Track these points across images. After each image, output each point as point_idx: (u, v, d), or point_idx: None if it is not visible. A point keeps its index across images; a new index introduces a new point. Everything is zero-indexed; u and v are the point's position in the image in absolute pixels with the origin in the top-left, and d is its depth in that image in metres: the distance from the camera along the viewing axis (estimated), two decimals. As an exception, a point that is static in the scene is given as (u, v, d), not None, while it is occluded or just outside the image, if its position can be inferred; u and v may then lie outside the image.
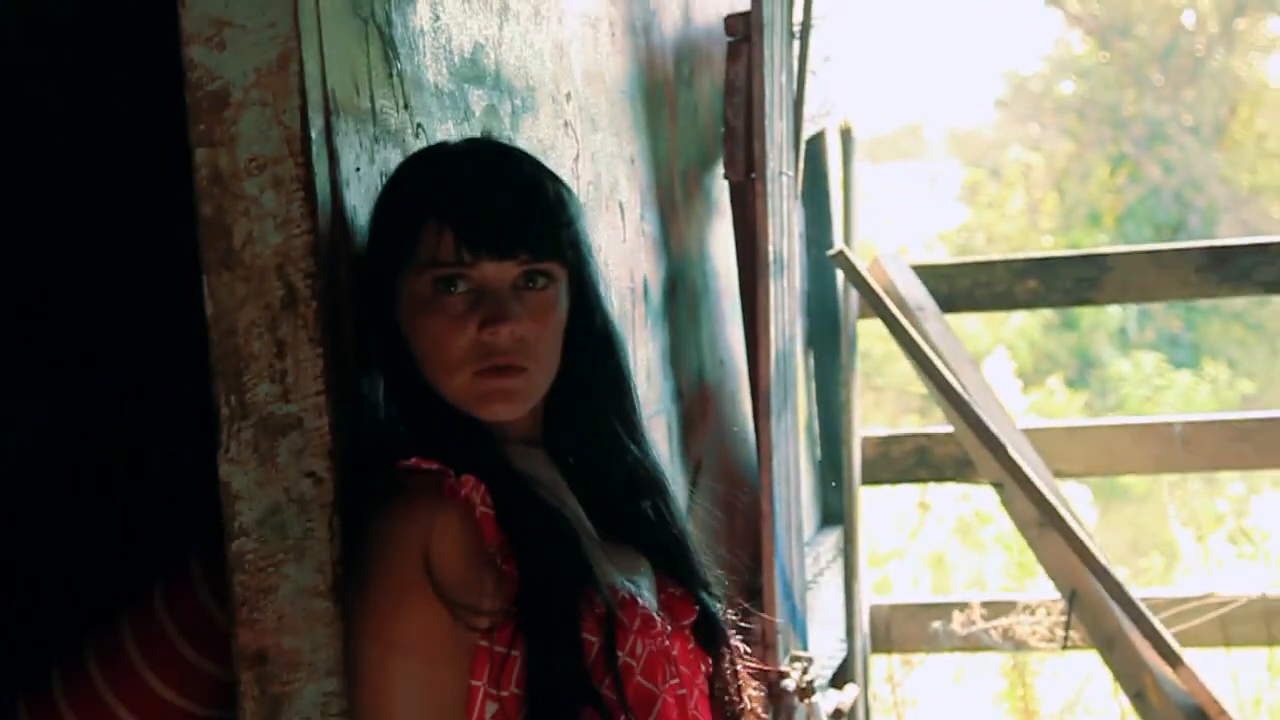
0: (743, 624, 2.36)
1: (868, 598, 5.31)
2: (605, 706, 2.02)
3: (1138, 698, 4.65)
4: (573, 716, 2.00)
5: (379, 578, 1.98)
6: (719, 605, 2.24)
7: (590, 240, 2.18)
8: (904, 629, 5.38)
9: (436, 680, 1.98)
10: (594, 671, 2.03)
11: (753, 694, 2.27)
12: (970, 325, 12.56)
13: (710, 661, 2.22)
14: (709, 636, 2.22)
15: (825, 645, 4.60)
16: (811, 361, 5.00)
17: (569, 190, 2.16)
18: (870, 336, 9.69)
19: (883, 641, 5.37)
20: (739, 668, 2.26)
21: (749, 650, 2.32)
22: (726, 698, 2.23)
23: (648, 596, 2.16)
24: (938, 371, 4.48)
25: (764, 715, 2.30)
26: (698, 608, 2.21)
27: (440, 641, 1.98)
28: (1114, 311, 14.43)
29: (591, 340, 2.17)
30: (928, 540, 8.75)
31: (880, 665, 5.76)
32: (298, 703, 2.05)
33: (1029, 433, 4.99)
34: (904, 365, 7.88)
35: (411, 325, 2.07)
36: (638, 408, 2.23)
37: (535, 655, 2.01)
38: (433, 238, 2.05)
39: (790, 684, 3.78)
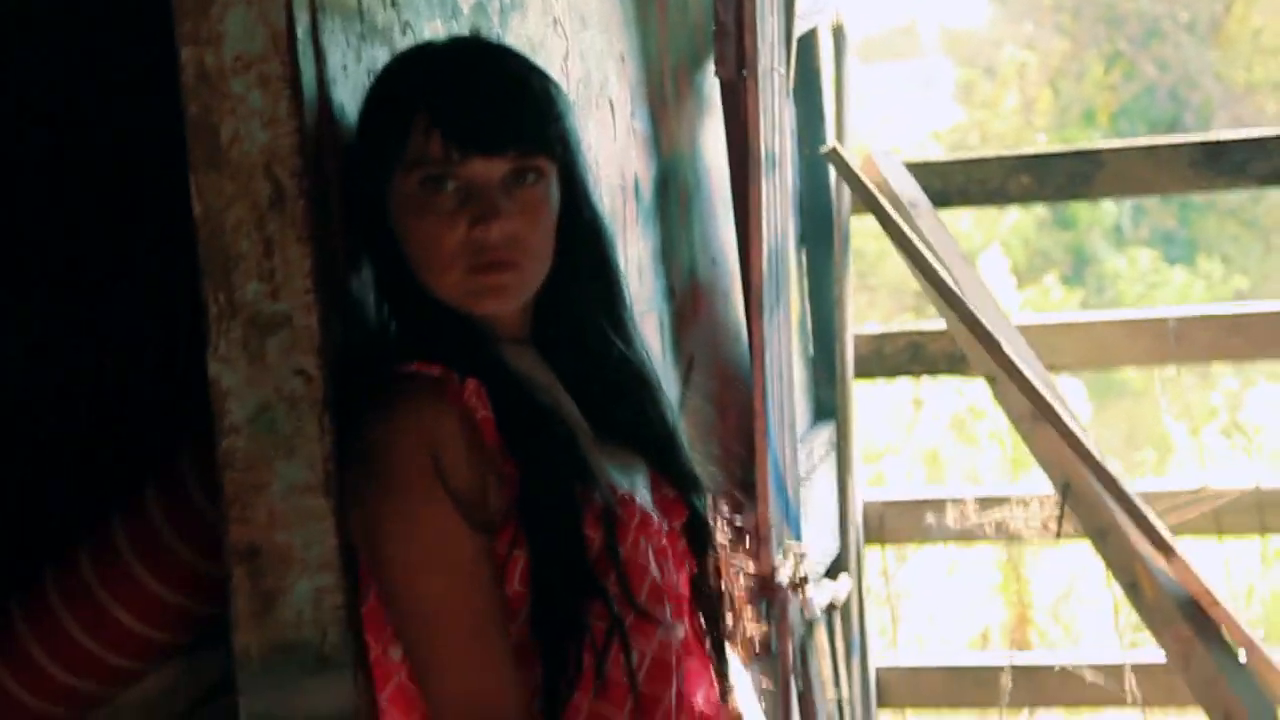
0: (736, 522, 2.38)
1: (861, 492, 5.33)
2: (611, 600, 2.04)
3: (1131, 588, 4.68)
4: (578, 611, 2.02)
5: (394, 497, 1.99)
6: (707, 508, 2.25)
7: (579, 136, 2.18)
8: (897, 523, 5.40)
9: (475, 589, 1.99)
10: (597, 567, 2.05)
11: (739, 597, 2.29)
12: (965, 224, 12.55)
13: (695, 564, 2.23)
14: (695, 539, 2.23)
15: (819, 539, 4.63)
16: (804, 258, 5.00)
17: (557, 86, 2.15)
18: (864, 235, 9.69)
19: (876, 535, 5.39)
20: (725, 571, 2.27)
21: (739, 549, 2.34)
22: (710, 601, 2.25)
23: (644, 494, 2.18)
24: (930, 267, 4.48)
25: (749, 618, 2.31)
26: (688, 510, 2.22)
27: (467, 550, 1.99)
28: (1109, 208, 14.41)
29: (580, 235, 2.17)
30: (922, 437, 8.78)
31: (874, 559, 5.79)
32: (290, 598, 2.06)
33: (1022, 328, 4.99)
34: (898, 264, 7.88)
35: (402, 225, 2.07)
36: (628, 304, 2.24)
37: (538, 554, 2.02)
38: (420, 137, 2.04)
39: (784, 577, 3.81)
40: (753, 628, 2.31)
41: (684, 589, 2.19)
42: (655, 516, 2.14)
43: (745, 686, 2.28)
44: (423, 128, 2.04)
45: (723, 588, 2.25)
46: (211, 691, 2.80)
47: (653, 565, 2.11)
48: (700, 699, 2.15)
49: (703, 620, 2.23)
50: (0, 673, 2.63)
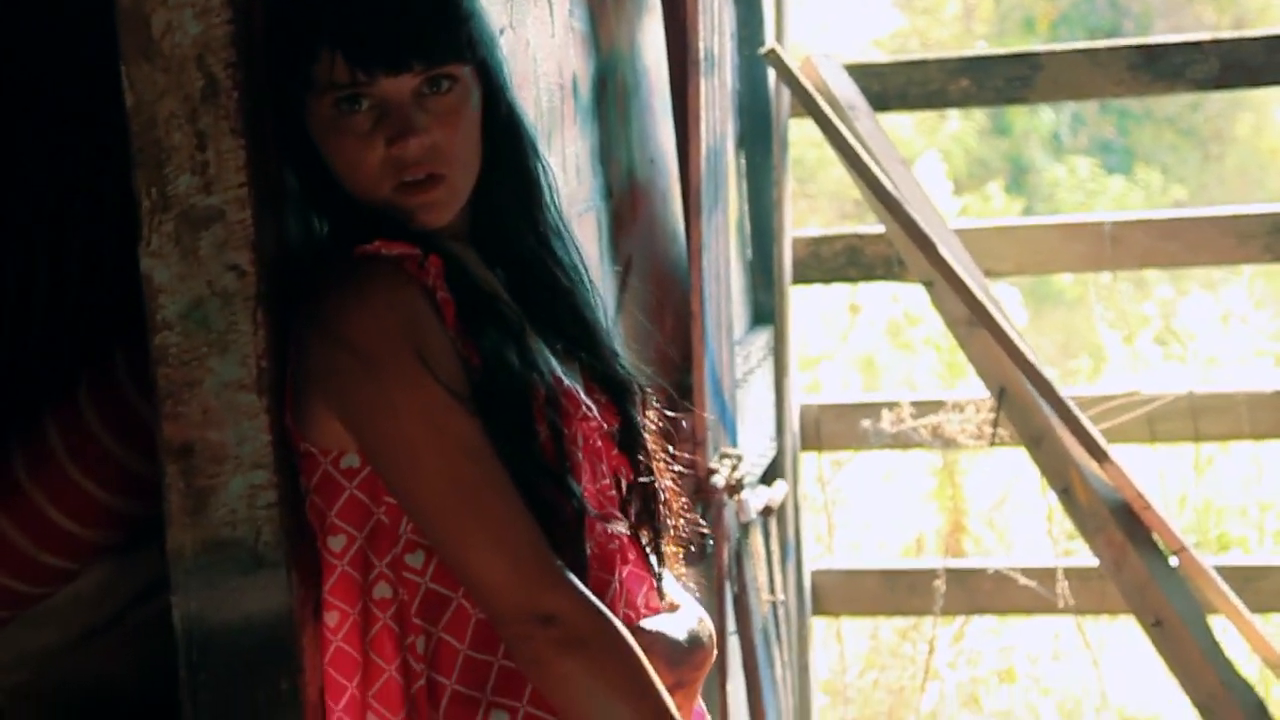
0: (669, 423, 2.37)
1: (798, 397, 5.34)
2: (571, 488, 2.04)
3: (1064, 493, 4.71)
4: (537, 498, 2.01)
5: (387, 383, 1.98)
6: (638, 410, 2.25)
7: (492, 33, 2.14)
8: (833, 428, 5.42)
9: (484, 452, 2.00)
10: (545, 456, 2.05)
11: (674, 499, 2.29)
12: (905, 132, 12.53)
13: (628, 468, 2.23)
14: (627, 442, 2.22)
15: (755, 443, 4.63)
16: (743, 161, 4.98)
17: None
18: (804, 143, 9.67)
19: (812, 440, 5.41)
20: (660, 474, 2.26)
21: (673, 452, 2.33)
22: (646, 503, 2.24)
23: (580, 392, 2.17)
24: (868, 170, 4.47)
25: (684, 520, 2.31)
26: (619, 412, 2.21)
27: (465, 419, 1.99)
28: (1047, 116, 14.42)
29: (499, 133, 2.15)
30: (858, 343, 8.80)
31: (810, 464, 5.81)
32: (224, 495, 2.05)
33: (960, 232, 4.99)
34: (838, 171, 7.87)
35: (324, 145, 2.06)
36: (552, 201, 2.22)
37: (495, 440, 2.01)
38: (326, 60, 2.03)
39: (719, 480, 3.81)
40: (689, 530, 2.31)
41: (612, 490, 2.19)
42: (592, 412, 2.14)
43: (680, 590, 2.28)
44: (327, 52, 2.02)
45: (658, 490, 2.24)
46: (145, 592, 2.78)
47: (588, 462, 2.10)
48: (640, 598, 2.15)
49: (638, 522, 2.22)
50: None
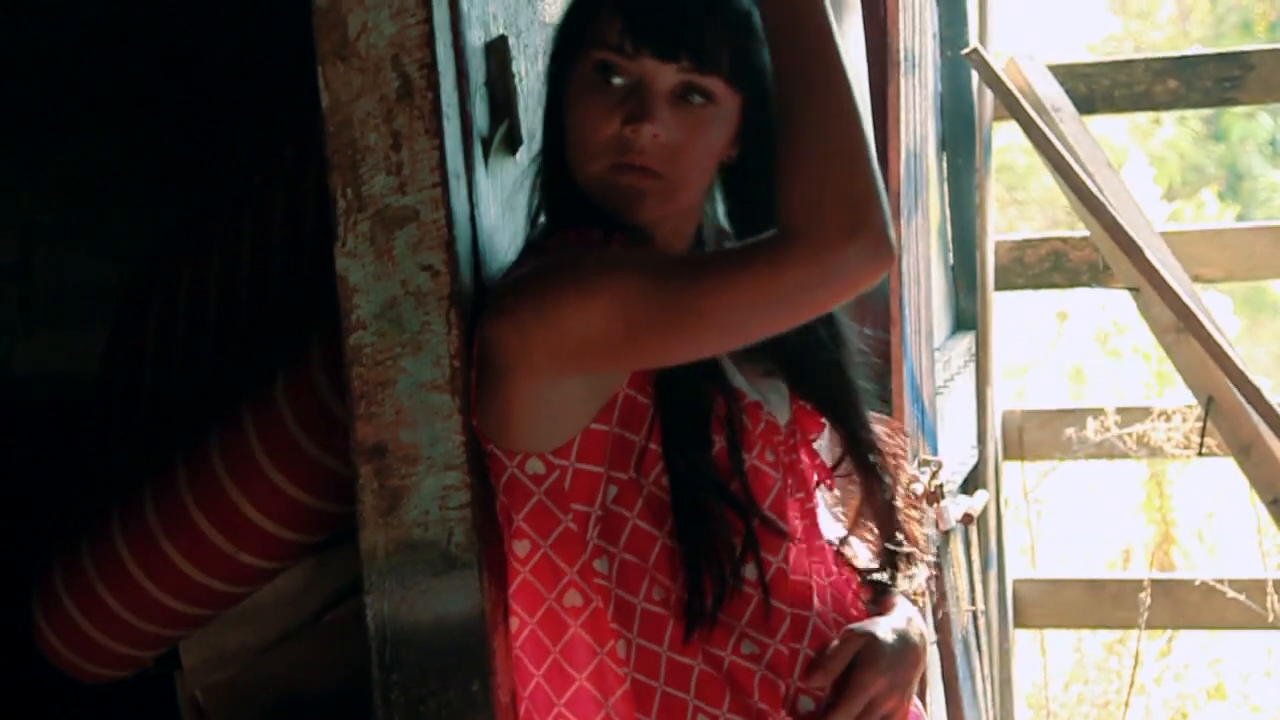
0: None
1: (1000, 403, 5.27)
2: (739, 502, 2.02)
3: (1275, 504, 4.60)
4: (705, 511, 2.00)
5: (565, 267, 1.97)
6: (857, 422, 2.21)
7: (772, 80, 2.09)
8: (1037, 435, 5.34)
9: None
10: (721, 471, 2.03)
11: (915, 525, 2.25)
12: (1118, 138, 12.34)
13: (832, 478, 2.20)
14: (852, 454, 2.19)
15: (955, 451, 4.58)
16: (945, 164, 4.92)
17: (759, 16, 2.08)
18: (1013, 149, 9.56)
19: (1015, 448, 5.33)
20: (899, 487, 2.23)
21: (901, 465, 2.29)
22: (884, 518, 2.21)
23: (775, 403, 2.14)
24: (1073, 172, 4.40)
25: (920, 535, 2.27)
26: (844, 432, 2.18)
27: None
28: (1264, 122, 14.14)
29: (754, 162, 2.10)
30: (1065, 350, 8.67)
31: (1013, 473, 5.73)
32: (416, 496, 2.05)
33: (1167, 236, 4.89)
34: (1048, 178, 7.76)
35: (569, 108, 2.06)
36: None
37: (672, 447, 2.00)
38: (605, 19, 2.02)
39: (918, 488, 3.77)
40: (922, 543, 2.27)
41: (814, 503, 2.16)
42: (782, 424, 2.11)
43: (907, 609, 2.23)
44: (609, 12, 2.02)
45: (897, 504, 2.21)
46: (342, 592, 2.80)
47: (778, 476, 2.08)
48: (847, 603, 2.12)
49: (871, 536, 2.20)
50: (133, 568, 2.65)
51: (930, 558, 2.28)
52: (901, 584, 2.21)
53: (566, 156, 2.07)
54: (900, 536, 2.20)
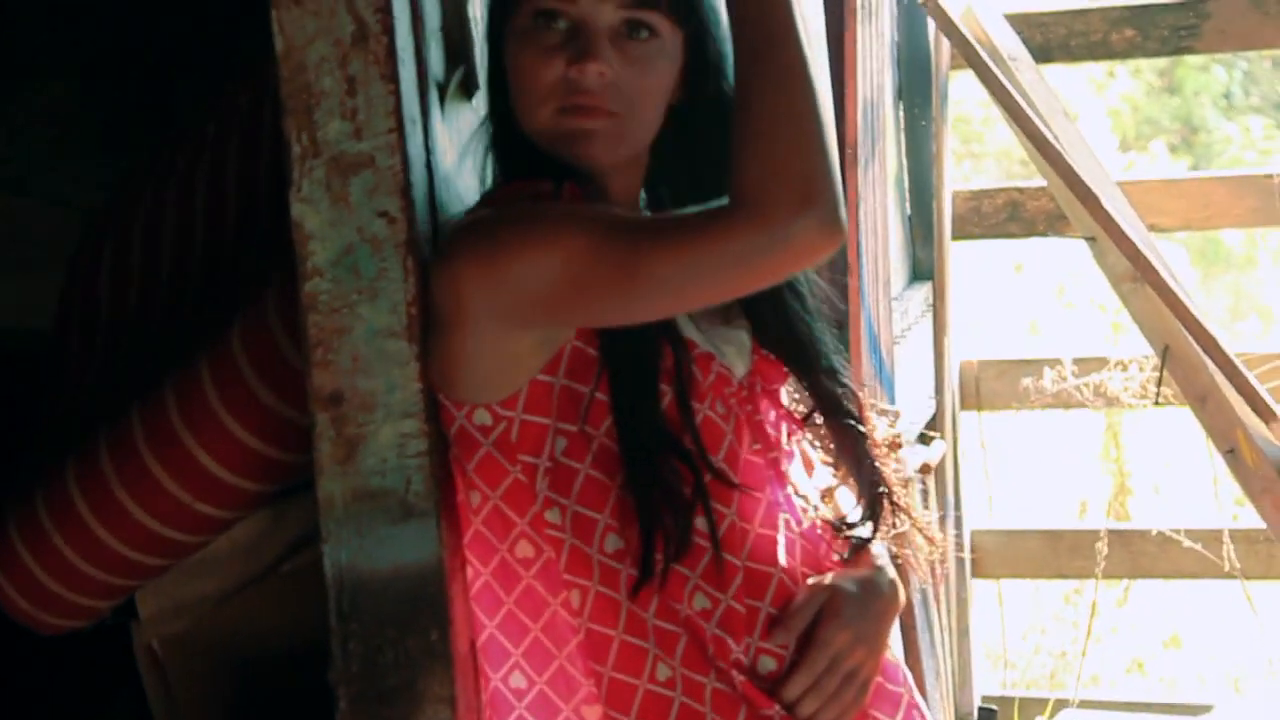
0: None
1: (957, 354, 5.27)
2: (688, 454, 2.01)
3: (1230, 454, 4.60)
4: (654, 464, 1.99)
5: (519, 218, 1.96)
6: (821, 372, 2.20)
7: (717, 12, 2.08)
8: (994, 385, 5.35)
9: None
10: (671, 423, 2.02)
11: (891, 472, 2.24)
12: (1072, 91, 12.34)
13: (799, 426, 2.19)
14: (819, 402, 2.18)
15: (913, 401, 4.58)
16: (902, 114, 4.91)
17: None
18: (971, 101, 9.55)
19: (972, 398, 5.34)
20: (872, 445, 2.22)
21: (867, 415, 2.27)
22: (863, 476, 2.19)
23: (731, 354, 2.13)
24: (1030, 121, 4.39)
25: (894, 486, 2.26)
26: (789, 373, 2.17)
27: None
28: (1219, 74, 14.16)
29: (698, 113, 2.10)
30: (1022, 303, 8.69)
31: (970, 423, 5.73)
32: (373, 444, 2.05)
33: (1124, 186, 4.89)
34: (1005, 131, 7.74)
35: (510, 60, 2.05)
36: None
37: (619, 399, 1.99)
38: None
39: (877, 437, 3.77)
40: (901, 491, 2.26)
41: (780, 454, 2.15)
42: (736, 376, 2.10)
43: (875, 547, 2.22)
44: None
45: (872, 453, 2.20)
46: (299, 541, 2.80)
47: (730, 429, 2.07)
48: (795, 564, 2.11)
49: (840, 489, 2.19)
50: (89, 518, 2.63)
51: (911, 505, 2.27)
52: (883, 535, 2.19)
53: (513, 108, 2.05)
54: (878, 487, 2.19)
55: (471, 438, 2.02)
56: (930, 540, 2.24)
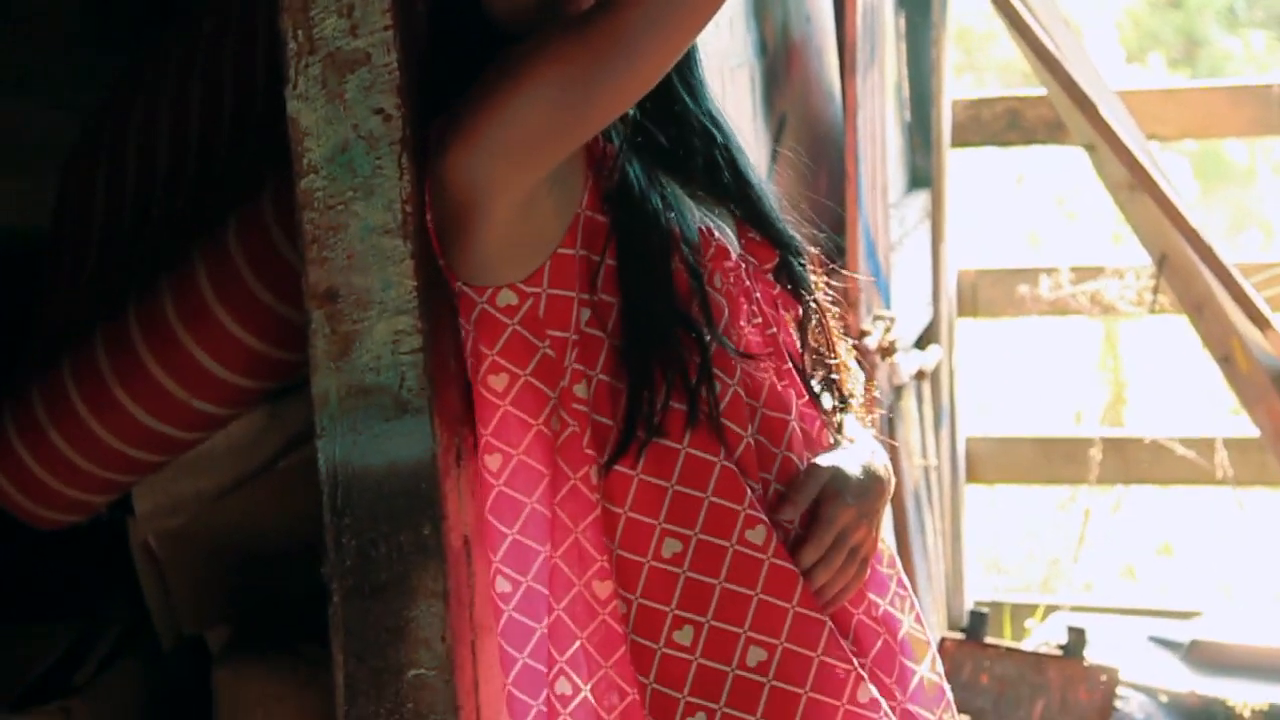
0: (828, 282, 2.33)
1: (954, 261, 5.28)
2: (695, 325, 2.02)
3: (1225, 362, 4.62)
4: (664, 327, 2.00)
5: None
6: (798, 254, 2.21)
7: None
8: (990, 293, 5.35)
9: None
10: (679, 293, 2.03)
11: (844, 343, 2.25)
12: (1076, 5, 12.28)
13: (798, 308, 2.20)
14: (793, 283, 2.19)
15: (910, 307, 4.59)
16: (902, 22, 4.90)
17: None
18: (975, 14, 9.51)
19: (969, 306, 5.35)
20: (826, 318, 2.23)
21: (835, 302, 2.29)
22: (816, 347, 2.20)
23: (729, 234, 2.14)
24: (1028, 28, 4.38)
25: (854, 367, 2.27)
26: (778, 251, 2.18)
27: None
28: (1222, -11, 14.09)
29: None
30: (1021, 213, 8.69)
31: (967, 330, 5.75)
32: (368, 341, 2.05)
33: (1123, 95, 4.89)
34: (1004, 46, 7.72)
35: None
36: (696, 60, 2.18)
37: (626, 263, 2.00)
38: None
39: (872, 342, 3.78)
40: (859, 378, 2.27)
41: (782, 332, 2.15)
42: (734, 251, 2.11)
43: (854, 426, 2.23)
44: None
45: (823, 335, 2.20)
46: (296, 440, 2.81)
47: (729, 304, 2.07)
48: (814, 434, 2.12)
49: (807, 366, 2.19)
50: (85, 414, 2.65)
51: (860, 374, 2.27)
52: (846, 407, 2.20)
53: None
54: (831, 358, 2.20)
55: (496, 320, 2.02)
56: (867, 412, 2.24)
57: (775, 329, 2.14)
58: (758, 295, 2.13)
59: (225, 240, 2.51)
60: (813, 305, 2.20)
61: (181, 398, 2.61)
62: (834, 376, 2.19)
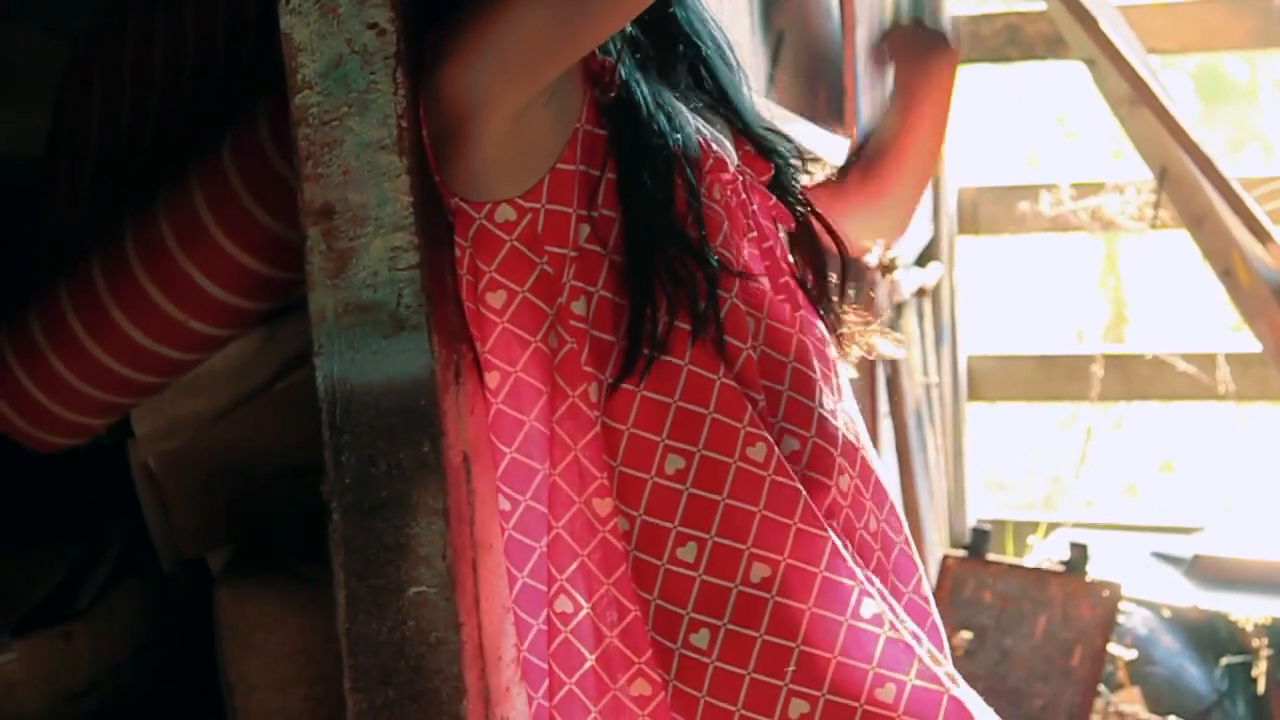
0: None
1: (955, 178, 5.26)
2: (695, 242, 2.01)
3: (1226, 275, 4.61)
4: (665, 249, 1.99)
5: None
6: (790, 164, 2.20)
7: None
8: (991, 210, 5.34)
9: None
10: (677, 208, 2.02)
11: (838, 257, 2.24)
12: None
13: (792, 220, 2.19)
14: (786, 195, 2.18)
15: (910, 226, 4.57)
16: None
17: None
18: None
19: (969, 223, 5.34)
20: (821, 229, 2.22)
21: (830, 221, 2.28)
22: (811, 259, 2.20)
23: (727, 146, 2.13)
24: (1029, -58, 4.36)
25: (851, 284, 2.26)
26: (772, 164, 2.17)
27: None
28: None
29: None
30: (1021, 132, 8.66)
31: (968, 248, 5.73)
32: (364, 258, 2.04)
33: (1123, 9, 4.86)
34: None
35: None
36: None
37: (625, 176, 1.99)
38: None
39: (872, 259, 3.77)
40: (855, 294, 2.26)
41: (779, 245, 2.14)
42: (731, 163, 2.09)
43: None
44: None
45: (819, 248, 2.20)
46: (293, 361, 2.81)
47: (727, 216, 2.06)
48: (805, 344, 2.11)
49: (808, 279, 2.18)
50: (83, 336, 2.64)
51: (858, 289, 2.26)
52: (843, 322, 2.20)
53: None
54: (818, 248, 2.19)
55: (493, 236, 2.01)
56: (864, 323, 2.24)
57: (772, 242, 2.13)
58: (754, 208, 2.12)
59: (220, 160, 2.50)
60: (805, 217, 2.19)
61: (179, 319, 2.60)
62: (829, 292, 2.18)
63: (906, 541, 2.17)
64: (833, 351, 2.15)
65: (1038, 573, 4.32)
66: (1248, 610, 4.33)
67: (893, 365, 4.20)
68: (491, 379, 2.05)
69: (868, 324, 2.25)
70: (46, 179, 3.10)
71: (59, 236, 2.94)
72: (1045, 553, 4.73)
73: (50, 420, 2.75)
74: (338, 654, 2.09)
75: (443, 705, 2.08)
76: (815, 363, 2.09)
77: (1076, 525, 5.17)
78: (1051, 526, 5.32)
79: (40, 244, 3.00)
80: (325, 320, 2.06)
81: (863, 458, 2.13)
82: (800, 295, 2.13)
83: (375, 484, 2.07)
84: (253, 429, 2.82)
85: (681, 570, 2.01)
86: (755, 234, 2.11)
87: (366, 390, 2.06)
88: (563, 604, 2.05)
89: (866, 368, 3.91)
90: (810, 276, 2.18)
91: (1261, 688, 4.25)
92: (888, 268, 3.91)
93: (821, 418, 2.08)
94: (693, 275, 2.00)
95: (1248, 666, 4.27)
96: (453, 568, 2.06)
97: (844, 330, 2.21)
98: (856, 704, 1.99)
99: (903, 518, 2.19)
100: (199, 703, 2.91)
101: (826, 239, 2.21)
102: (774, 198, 2.16)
